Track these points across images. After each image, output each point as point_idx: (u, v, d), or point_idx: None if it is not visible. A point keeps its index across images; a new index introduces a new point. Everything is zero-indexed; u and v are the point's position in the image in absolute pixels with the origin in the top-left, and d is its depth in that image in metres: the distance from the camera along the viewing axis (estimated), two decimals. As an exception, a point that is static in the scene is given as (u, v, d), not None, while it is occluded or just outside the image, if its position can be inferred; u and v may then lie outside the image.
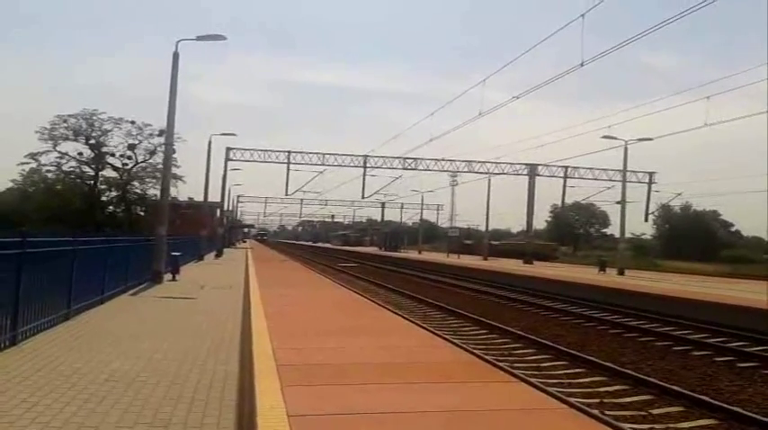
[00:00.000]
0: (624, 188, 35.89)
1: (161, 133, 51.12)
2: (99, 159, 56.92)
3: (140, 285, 16.54)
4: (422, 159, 47.67)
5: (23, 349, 7.70)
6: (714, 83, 52.24)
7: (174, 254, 20.54)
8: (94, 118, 55.73)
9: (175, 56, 19.41)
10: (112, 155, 57.55)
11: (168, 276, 19.35)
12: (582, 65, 21.91)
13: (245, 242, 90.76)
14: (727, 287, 23.21)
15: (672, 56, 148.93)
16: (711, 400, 8.12)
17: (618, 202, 37.30)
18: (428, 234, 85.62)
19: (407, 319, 11.60)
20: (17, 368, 6.68)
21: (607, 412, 7.41)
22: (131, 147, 57.25)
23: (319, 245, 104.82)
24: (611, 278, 28.04)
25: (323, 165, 47.58)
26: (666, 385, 8.89)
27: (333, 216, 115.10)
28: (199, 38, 19.37)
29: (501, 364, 8.37)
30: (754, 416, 7.45)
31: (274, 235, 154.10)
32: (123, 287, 14.68)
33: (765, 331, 13.72)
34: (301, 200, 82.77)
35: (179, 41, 19.36)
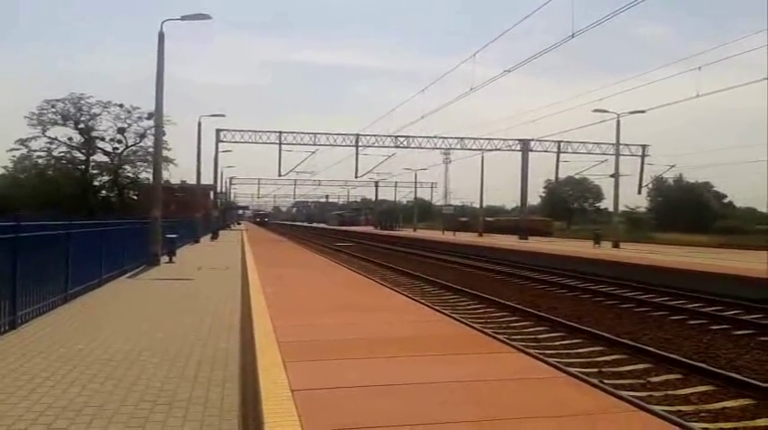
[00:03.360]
0: (617, 161, 35.92)
1: (150, 116, 50.69)
2: (89, 144, 56.45)
3: (138, 268, 16.54)
4: (414, 137, 47.45)
5: (23, 332, 7.70)
6: (705, 53, 52.02)
7: (169, 236, 20.51)
8: (82, 102, 55.19)
9: (161, 36, 19.13)
10: (102, 139, 57.12)
11: (165, 258, 19.34)
12: (573, 36, 21.80)
13: (239, 224, 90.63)
14: (721, 257, 23.38)
15: (663, 26, 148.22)
16: (709, 367, 8.21)
17: (611, 176, 37.39)
18: (423, 212, 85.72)
19: (406, 296, 11.63)
20: (18, 351, 6.68)
21: (606, 380, 7.48)
22: (121, 130, 56.78)
23: (314, 225, 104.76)
24: (606, 251, 28.18)
25: (315, 145, 47.33)
26: (664, 353, 8.98)
27: (327, 196, 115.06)
28: (184, 17, 19.10)
29: (500, 337, 8.42)
30: (751, 381, 7.54)
31: (268, 216, 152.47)
32: (120, 270, 14.67)
33: (759, 299, 13.85)
34: (294, 180, 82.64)
35: (164, 21, 19.13)
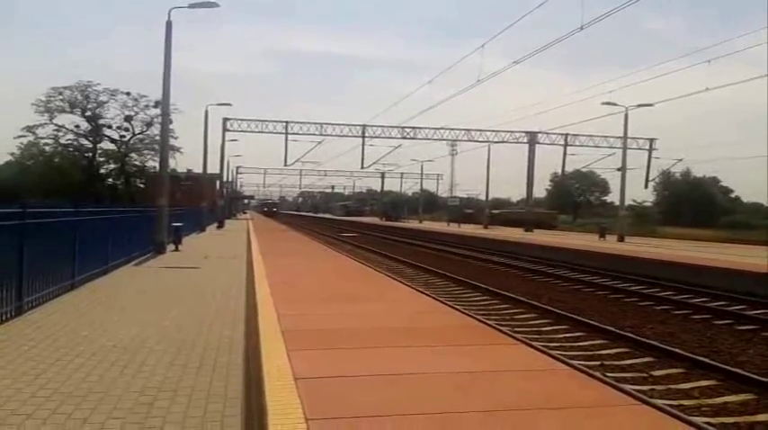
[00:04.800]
0: (624, 155, 35.73)
1: (157, 104, 50.70)
2: (96, 131, 56.60)
3: (144, 256, 16.62)
4: (421, 128, 47.33)
5: (29, 319, 7.75)
6: (715, 47, 51.51)
7: (175, 224, 20.58)
8: (89, 89, 55.29)
9: (168, 24, 19.11)
10: (109, 127, 57.26)
11: (171, 247, 19.42)
12: (582, 28, 21.64)
13: (245, 213, 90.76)
14: (726, 252, 23.29)
15: (672, 19, 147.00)
16: (712, 362, 8.20)
17: (618, 169, 37.19)
18: (428, 203, 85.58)
19: (410, 286, 11.66)
20: (24, 337, 6.74)
21: (608, 374, 7.49)
22: (128, 118, 56.88)
23: (320, 215, 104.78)
24: (611, 245, 28.13)
25: (321, 135, 47.25)
26: (667, 347, 8.98)
27: (333, 187, 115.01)
28: (192, 5, 19.07)
29: (503, 329, 8.44)
30: (753, 376, 7.53)
31: (277, 206, 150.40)
32: (127, 258, 14.74)
33: (763, 295, 13.81)
34: (300, 170, 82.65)
35: (171, 9, 19.12)
